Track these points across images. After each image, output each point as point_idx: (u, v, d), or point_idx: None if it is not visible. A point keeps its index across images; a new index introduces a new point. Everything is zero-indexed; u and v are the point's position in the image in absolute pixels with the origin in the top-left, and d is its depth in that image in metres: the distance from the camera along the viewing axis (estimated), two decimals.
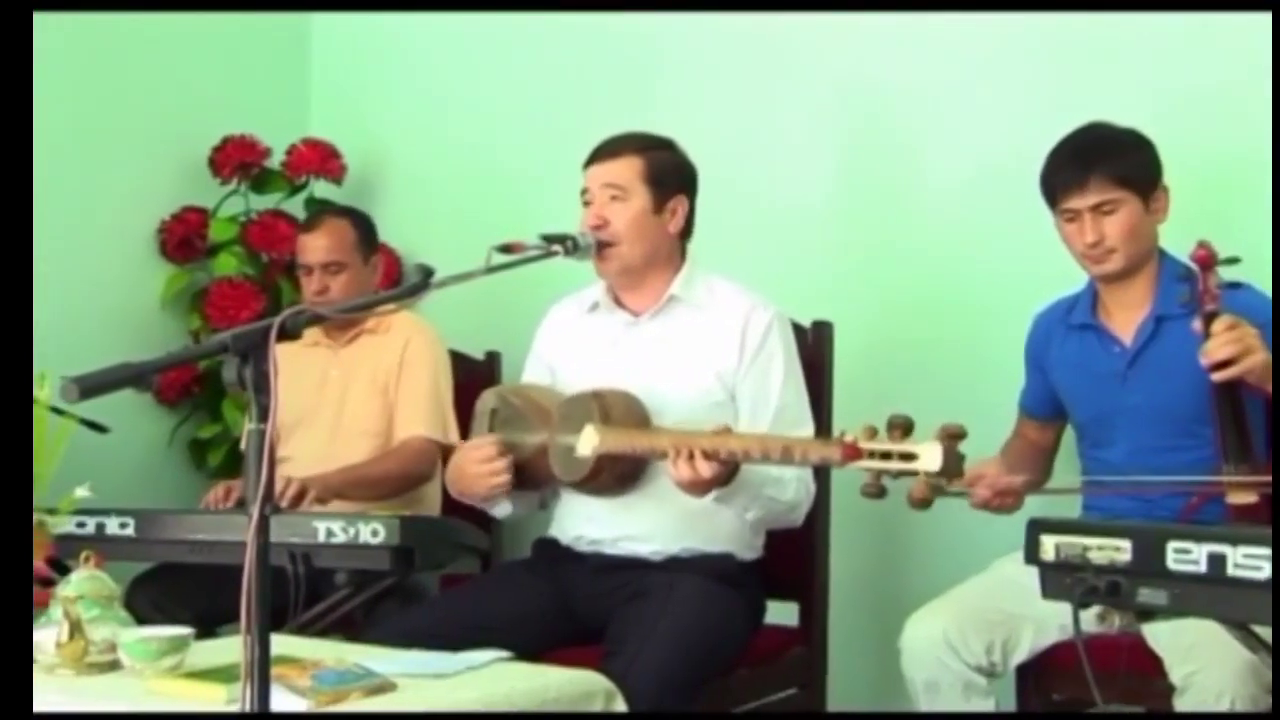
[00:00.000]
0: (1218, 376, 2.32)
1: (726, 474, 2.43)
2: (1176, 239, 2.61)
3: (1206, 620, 2.13)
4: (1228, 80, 2.96)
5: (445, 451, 3.16)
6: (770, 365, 2.68)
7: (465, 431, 2.96)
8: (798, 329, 2.86)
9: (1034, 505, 2.62)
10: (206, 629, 2.62)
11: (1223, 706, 2.25)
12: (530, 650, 2.40)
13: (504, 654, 2.30)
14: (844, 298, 3.24)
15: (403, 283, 3.71)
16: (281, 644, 1.97)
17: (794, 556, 2.87)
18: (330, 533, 2.74)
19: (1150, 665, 2.38)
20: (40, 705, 2.05)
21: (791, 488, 2.61)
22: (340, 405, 3.28)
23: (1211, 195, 2.84)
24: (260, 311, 3.61)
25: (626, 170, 2.70)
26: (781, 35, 3.43)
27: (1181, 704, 2.32)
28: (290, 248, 3.58)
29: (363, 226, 3.37)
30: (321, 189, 3.84)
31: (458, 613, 2.65)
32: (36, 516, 2.40)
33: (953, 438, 2.13)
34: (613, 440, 2.50)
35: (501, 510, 2.78)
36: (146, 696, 2.07)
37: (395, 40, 4.01)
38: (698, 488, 2.43)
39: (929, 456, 2.12)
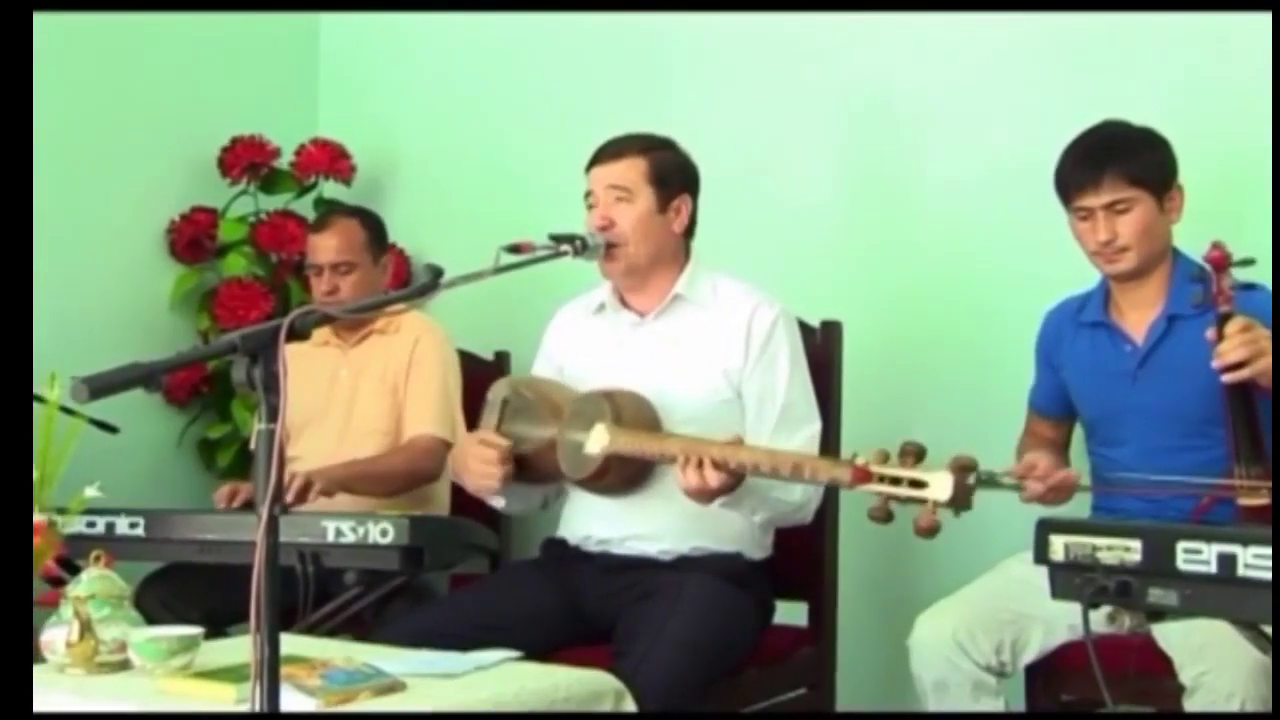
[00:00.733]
0: (1229, 378, 2.32)
1: (733, 483, 2.43)
2: (1189, 238, 2.61)
3: (1217, 621, 2.13)
4: (1239, 79, 2.96)
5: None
6: (776, 362, 2.68)
7: (473, 425, 2.96)
8: (807, 329, 2.86)
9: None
10: (216, 629, 2.63)
11: (1233, 707, 2.25)
12: (539, 650, 2.40)
13: (513, 654, 2.30)
14: (853, 297, 3.24)
15: (412, 283, 3.73)
16: (291, 644, 1.97)
17: (803, 556, 2.87)
18: (339, 532, 2.74)
19: (1160, 666, 2.37)
20: (50, 705, 2.07)
21: (799, 488, 2.61)
22: (350, 405, 3.28)
23: (1223, 195, 2.84)
24: (269, 312, 3.61)
25: (631, 171, 2.71)
26: (791, 35, 3.43)
27: (1191, 704, 2.31)
28: (299, 248, 3.59)
29: (372, 226, 3.37)
30: (330, 189, 3.85)
31: (467, 612, 2.65)
32: (47, 516, 2.41)
33: (964, 470, 2.13)
34: (623, 441, 2.50)
35: (497, 502, 2.78)
36: (156, 696, 2.08)
37: (404, 40, 4.01)
38: (705, 496, 2.43)
39: (939, 486, 2.11)
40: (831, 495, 2.90)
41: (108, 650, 2.20)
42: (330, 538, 2.75)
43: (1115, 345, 2.68)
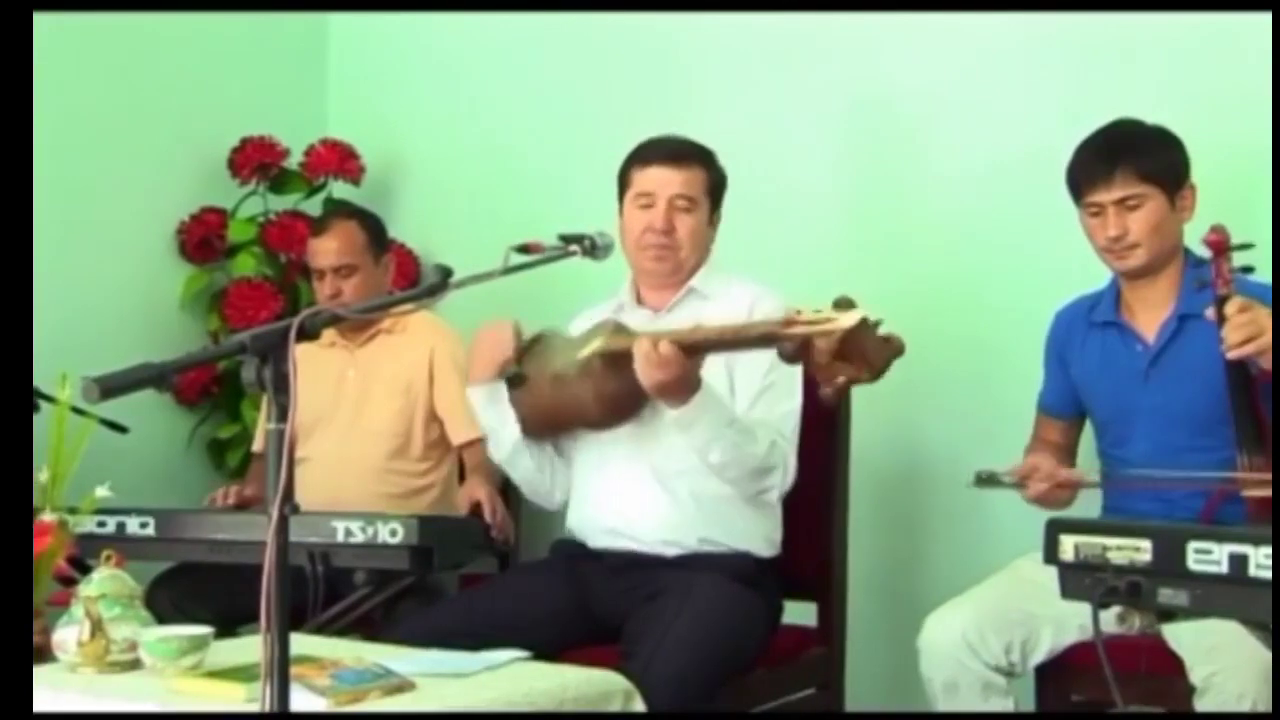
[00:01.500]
0: (1232, 355, 2.32)
1: (684, 367, 2.44)
2: (1190, 236, 2.62)
3: (1227, 621, 2.13)
4: (1245, 78, 2.95)
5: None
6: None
7: None
8: None
9: None
10: (226, 628, 2.63)
11: (1244, 707, 2.24)
12: (549, 649, 2.41)
13: (522, 653, 2.30)
14: (858, 293, 3.21)
15: (421, 283, 3.72)
16: (301, 643, 1.98)
17: (812, 556, 2.87)
18: (349, 532, 2.75)
19: (1170, 666, 2.37)
20: (61, 704, 2.07)
21: (764, 443, 2.60)
22: (358, 406, 3.28)
23: (1223, 192, 2.83)
24: (279, 312, 3.62)
25: (696, 182, 2.78)
26: (796, 33, 3.43)
27: (1202, 705, 2.31)
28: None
29: (371, 227, 3.36)
30: (340, 190, 3.85)
31: (476, 612, 2.66)
32: (58, 516, 2.42)
33: (876, 321, 2.20)
34: (612, 342, 2.55)
35: (510, 434, 2.75)
36: (167, 695, 2.08)
37: (413, 40, 4.02)
38: (654, 368, 2.43)
39: (847, 317, 2.19)
40: (840, 496, 2.90)
41: (118, 650, 2.21)
42: (340, 538, 2.76)
43: (1126, 345, 2.68)
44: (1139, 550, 1.98)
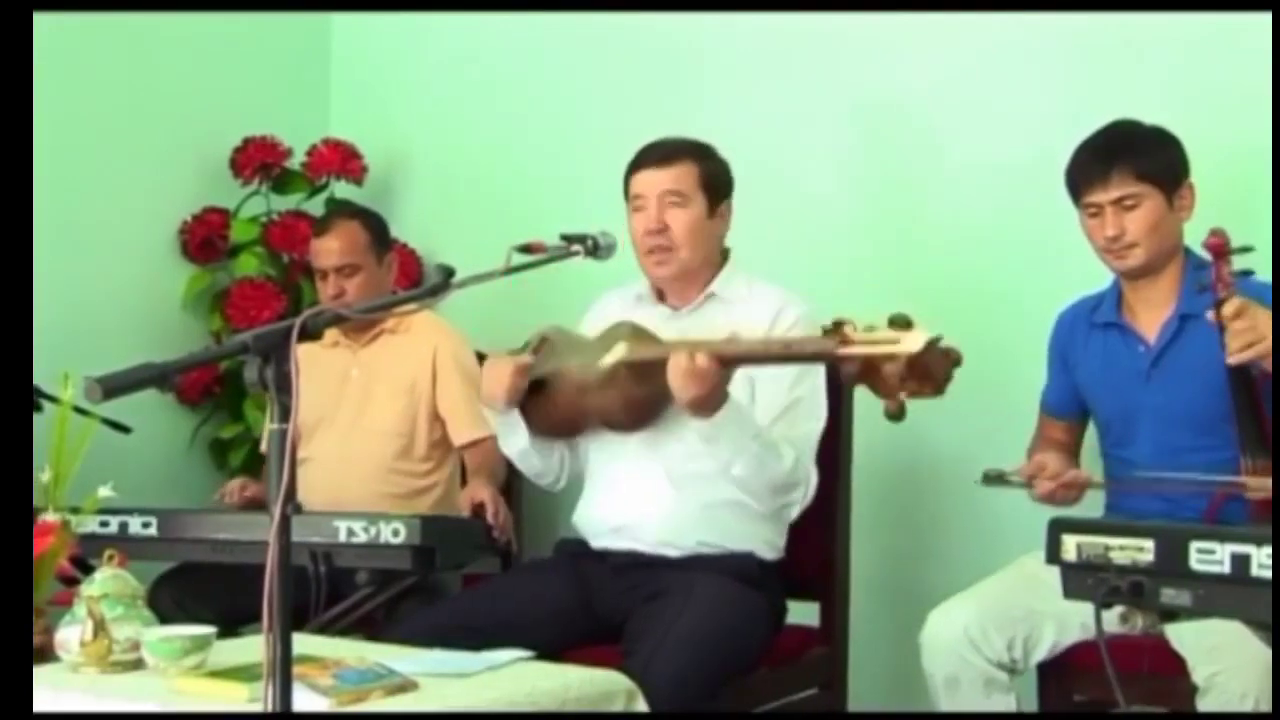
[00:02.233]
0: (1233, 360, 2.32)
1: (718, 380, 2.43)
2: (1190, 236, 2.61)
3: (1230, 621, 2.12)
4: (1241, 77, 2.95)
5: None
6: None
7: None
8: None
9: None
10: (229, 628, 2.64)
11: (1246, 707, 2.24)
12: (551, 649, 2.41)
13: (525, 653, 2.30)
14: (865, 296, 3.23)
15: (423, 283, 3.72)
16: (303, 643, 1.97)
17: (814, 556, 2.87)
18: (351, 532, 2.75)
19: (1173, 666, 2.36)
20: (63, 704, 2.08)
21: (788, 459, 2.60)
22: (361, 405, 3.28)
23: (1224, 192, 2.83)
24: (281, 312, 3.62)
25: (686, 177, 2.75)
26: (805, 34, 3.42)
27: (1204, 705, 2.31)
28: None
29: (374, 227, 3.36)
30: (342, 189, 3.85)
31: (479, 612, 2.66)
32: (60, 516, 2.42)
33: (941, 341, 2.12)
34: (638, 349, 2.53)
35: (518, 440, 2.76)
36: (169, 695, 2.08)
37: (415, 40, 4.01)
38: (689, 381, 2.41)
39: (912, 340, 2.10)
40: (843, 496, 2.90)
41: (121, 649, 2.21)
42: (342, 537, 2.76)
43: (1128, 345, 2.68)
44: (1141, 550, 1.97)
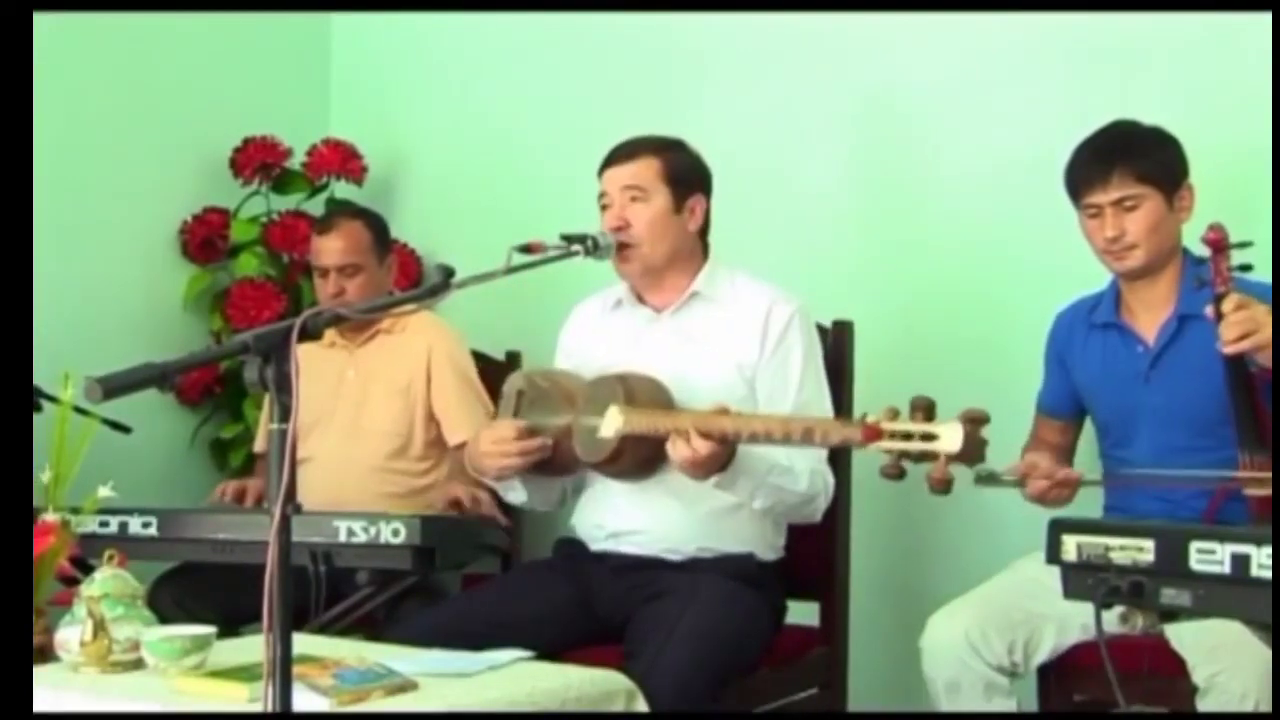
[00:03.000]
0: (1229, 350, 2.32)
1: (726, 455, 2.43)
2: (1189, 237, 2.61)
3: (1230, 621, 2.12)
4: (1248, 79, 2.95)
5: None
6: (789, 358, 2.68)
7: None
8: (818, 328, 2.85)
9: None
10: (229, 628, 2.64)
11: (1246, 708, 2.24)
12: (551, 649, 2.41)
13: (525, 653, 2.30)
14: (865, 297, 3.24)
15: (423, 283, 3.72)
16: (303, 643, 1.98)
17: (814, 557, 2.86)
18: (351, 532, 2.75)
19: (1173, 666, 2.36)
20: (63, 704, 2.08)
21: (805, 479, 2.61)
22: (358, 405, 3.28)
23: (1224, 192, 2.83)
24: (281, 312, 3.62)
25: (645, 171, 2.71)
26: (803, 34, 3.42)
27: (1204, 705, 2.30)
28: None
29: (376, 227, 3.36)
30: (342, 189, 3.85)
31: (479, 612, 2.66)
32: (61, 516, 2.42)
33: (974, 422, 2.09)
34: (636, 421, 2.49)
35: (515, 496, 2.78)
36: (169, 695, 2.08)
37: (415, 40, 4.02)
38: (697, 468, 2.42)
39: (950, 437, 2.08)
40: (843, 497, 2.90)
41: (121, 649, 2.21)
42: (342, 537, 2.76)
43: (1127, 346, 2.68)
44: (1141, 550, 1.98)
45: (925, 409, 2.12)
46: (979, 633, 2.49)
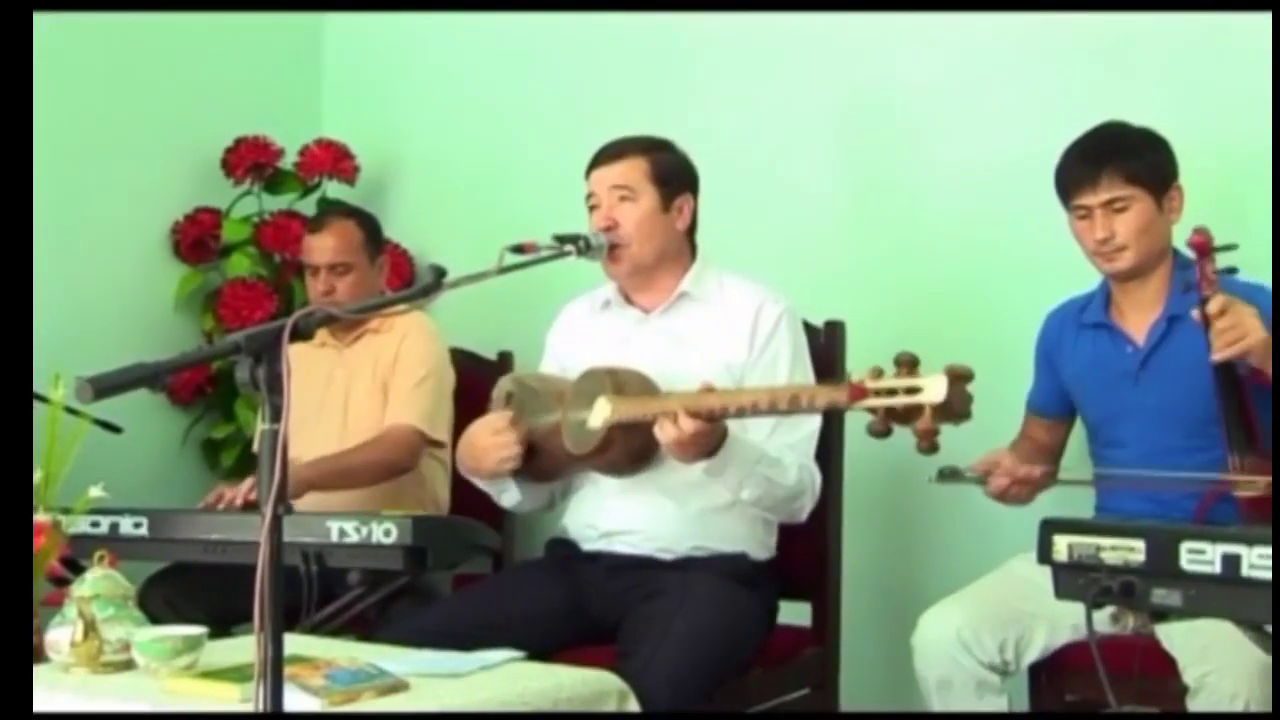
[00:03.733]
0: (1218, 357, 2.32)
1: (714, 436, 2.42)
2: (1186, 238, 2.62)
3: (1220, 621, 2.13)
4: (1243, 80, 2.95)
5: (431, 445, 3.20)
6: (778, 357, 2.69)
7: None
8: (810, 328, 2.86)
9: (1048, 504, 2.62)
10: (220, 628, 2.63)
11: (1237, 708, 2.25)
12: (543, 650, 2.41)
13: (517, 654, 2.30)
14: (856, 297, 3.24)
15: (415, 283, 3.72)
16: (295, 643, 1.98)
17: (806, 556, 2.87)
18: (343, 532, 2.74)
19: (1164, 666, 2.37)
20: (55, 705, 2.07)
21: (793, 473, 2.61)
22: (345, 405, 3.28)
23: (1223, 194, 2.84)
24: (273, 312, 3.62)
25: (633, 171, 2.72)
26: (795, 34, 3.43)
27: (1195, 705, 2.31)
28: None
29: (369, 227, 3.37)
30: (334, 189, 3.85)
31: (471, 612, 2.66)
32: (51, 516, 2.41)
33: (959, 376, 2.07)
34: (624, 409, 2.49)
35: (510, 498, 2.77)
36: (160, 696, 2.08)
37: (408, 40, 4.02)
38: (686, 449, 2.41)
39: (934, 389, 2.06)
40: (835, 497, 2.90)
41: (112, 650, 2.21)
42: (334, 537, 2.75)
43: (1116, 346, 2.68)
44: (1132, 550, 1.98)
45: (909, 363, 2.10)
46: (970, 631, 2.50)
